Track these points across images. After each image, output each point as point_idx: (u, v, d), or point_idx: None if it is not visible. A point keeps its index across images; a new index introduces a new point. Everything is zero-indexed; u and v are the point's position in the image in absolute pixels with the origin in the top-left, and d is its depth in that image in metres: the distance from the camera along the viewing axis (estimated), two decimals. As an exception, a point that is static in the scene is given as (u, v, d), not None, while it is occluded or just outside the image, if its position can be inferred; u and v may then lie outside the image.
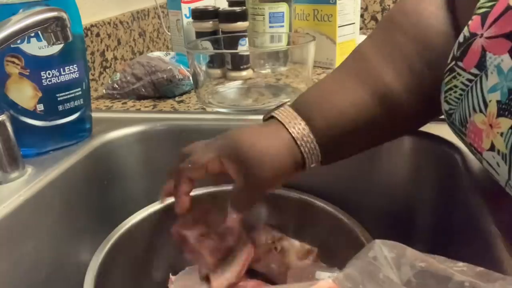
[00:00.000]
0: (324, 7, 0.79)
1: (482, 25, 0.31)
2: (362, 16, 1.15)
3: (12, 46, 0.45)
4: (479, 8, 0.32)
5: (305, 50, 0.63)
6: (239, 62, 0.70)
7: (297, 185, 0.54)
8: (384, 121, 0.41)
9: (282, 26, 0.80)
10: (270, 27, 0.79)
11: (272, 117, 0.41)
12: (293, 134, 0.39)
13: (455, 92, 0.33)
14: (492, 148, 0.30)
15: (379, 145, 0.46)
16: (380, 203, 0.55)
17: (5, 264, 0.39)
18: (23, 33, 0.40)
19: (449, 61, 0.34)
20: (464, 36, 0.32)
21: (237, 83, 0.71)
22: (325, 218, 0.50)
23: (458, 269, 0.23)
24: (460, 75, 0.32)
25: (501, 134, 0.28)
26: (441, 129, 0.48)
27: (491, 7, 0.30)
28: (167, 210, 0.53)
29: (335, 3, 0.77)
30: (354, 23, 0.81)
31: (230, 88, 0.70)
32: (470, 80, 0.31)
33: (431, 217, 0.51)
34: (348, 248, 0.45)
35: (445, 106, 0.35)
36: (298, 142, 0.39)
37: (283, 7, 0.79)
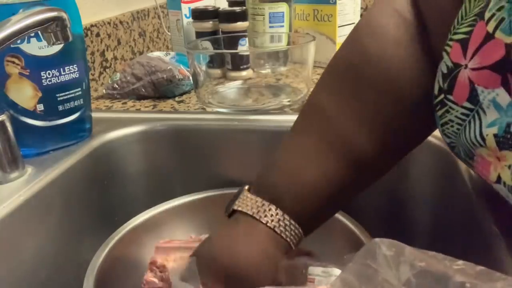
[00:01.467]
0: (324, 7, 0.79)
1: (464, 55, 0.29)
2: (362, 16, 1.15)
3: (12, 46, 0.45)
4: (455, 33, 0.30)
5: (305, 50, 0.63)
6: (239, 62, 0.70)
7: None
8: (355, 183, 0.38)
9: (282, 26, 0.80)
10: (270, 27, 0.79)
11: (236, 211, 0.37)
12: (268, 224, 0.35)
13: (452, 126, 0.31)
14: (498, 180, 0.29)
15: (350, 202, 0.41)
16: (380, 203, 0.55)
17: (5, 264, 0.39)
18: (23, 33, 0.40)
19: (436, 92, 0.32)
20: (447, 66, 0.31)
21: (237, 83, 0.71)
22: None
23: (458, 268, 0.23)
24: (453, 109, 0.30)
25: (509, 166, 0.27)
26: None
27: (469, 33, 0.29)
28: (168, 212, 0.53)
29: (335, 3, 0.77)
30: (354, 23, 0.81)
31: (230, 88, 0.70)
32: (465, 115, 0.30)
33: (431, 217, 0.51)
34: (348, 248, 0.46)
35: (445, 139, 0.33)
36: (277, 230, 0.35)
37: (283, 7, 0.79)
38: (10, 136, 0.44)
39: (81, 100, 0.52)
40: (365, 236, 0.44)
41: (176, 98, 0.70)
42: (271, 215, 0.35)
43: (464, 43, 0.29)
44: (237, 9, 0.75)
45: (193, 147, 0.59)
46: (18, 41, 0.45)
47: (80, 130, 0.54)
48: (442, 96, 0.31)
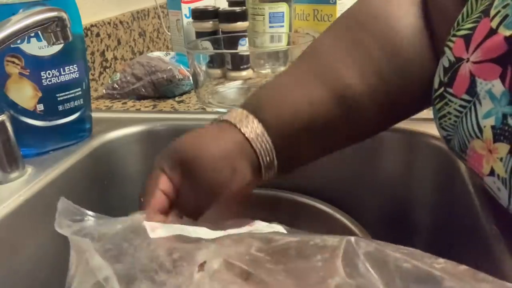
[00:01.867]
0: (324, 7, 0.79)
1: (467, 49, 0.30)
2: None
3: (12, 46, 0.45)
4: (459, 30, 0.32)
5: (305, 50, 0.63)
6: (239, 62, 0.70)
7: (295, 186, 0.54)
8: (342, 124, 0.38)
9: (282, 26, 0.79)
10: (270, 27, 0.79)
11: (222, 120, 0.37)
12: (246, 134, 0.35)
13: (450, 119, 0.32)
14: (492, 173, 0.29)
15: (335, 150, 0.41)
16: (379, 203, 0.55)
17: (5, 264, 0.39)
18: (23, 33, 0.40)
19: (436, 86, 0.33)
20: (449, 60, 0.32)
21: (237, 83, 0.71)
22: (323, 218, 0.50)
23: (439, 267, 0.23)
24: (451, 101, 0.32)
25: (500, 159, 0.28)
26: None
27: (473, 29, 0.30)
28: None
29: (335, 3, 0.77)
30: (354, 23, 0.81)
31: (230, 88, 0.70)
32: (463, 106, 0.31)
33: (430, 217, 0.51)
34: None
35: (442, 133, 0.34)
36: (252, 142, 0.35)
37: (283, 7, 0.79)
38: (10, 136, 0.44)
39: (81, 100, 0.52)
40: (365, 236, 0.44)
41: (176, 98, 0.70)
42: (252, 127, 0.35)
43: (467, 38, 0.30)
44: (237, 9, 0.75)
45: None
46: (18, 41, 0.45)
47: (80, 130, 0.54)
48: (442, 89, 0.32)
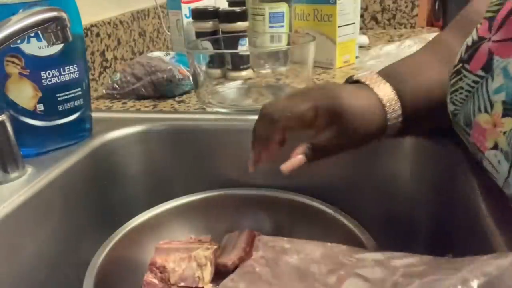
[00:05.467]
0: (324, 7, 0.79)
1: (490, 29, 0.32)
2: (362, 16, 1.15)
3: (12, 46, 0.45)
4: (487, 12, 0.33)
5: (305, 50, 0.63)
6: (239, 62, 0.70)
7: (295, 186, 0.54)
8: None
9: (282, 26, 0.79)
10: (270, 27, 0.79)
11: (358, 81, 0.42)
12: (379, 96, 0.40)
13: (461, 93, 0.34)
14: (495, 146, 0.31)
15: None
16: (380, 203, 0.55)
17: (5, 264, 0.39)
18: (23, 33, 0.40)
19: (456, 63, 0.35)
20: (473, 39, 0.34)
21: (237, 83, 0.71)
22: (323, 219, 0.50)
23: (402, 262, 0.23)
24: (466, 77, 0.33)
25: (504, 133, 0.30)
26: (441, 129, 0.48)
27: (497, 11, 0.32)
28: (168, 212, 0.53)
29: (335, 3, 0.77)
30: (354, 23, 0.81)
31: (230, 88, 0.70)
32: (475, 82, 0.32)
33: (431, 217, 0.51)
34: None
35: (450, 107, 0.36)
36: (384, 103, 0.39)
37: (283, 7, 0.79)
38: (10, 136, 0.44)
39: (81, 100, 0.52)
40: (365, 237, 0.44)
41: (176, 98, 0.70)
42: (386, 91, 0.40)
43: (491, 19, 0.32)
44: (237, 9, 0.75)
45: (193, 147, 0.59)
46: (18, 41, 0.45)
47: (80, 130, 0.54)
48: (460, 65, 0.35)
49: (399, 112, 0.40)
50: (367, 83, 0.41)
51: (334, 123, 0.39)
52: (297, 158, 0.40)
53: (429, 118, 0.42)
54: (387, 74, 0.42)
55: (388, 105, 0.39)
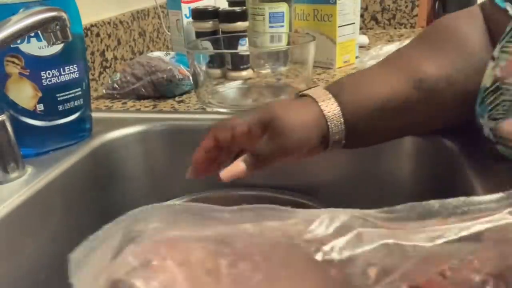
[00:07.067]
0: (324, 7, 0.79)
1: None
2: (362, 16, 1.15)
3: (12, 46, 0.45)
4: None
5: (305, 50, 0.63)
6: (239, 62, 0.70)
7: (295, 186, 0.54)
8: (419, 106, 0.42)
9: (282, 26, 0.79)
10: (270, 27, 0.79)
11: (304, 95, 0.43)
12: (324, 111, 0.40)
13: (504, 106, 0.36)
14: None
15: (411, 134, 0.48)
16: (380, 203, 0.55)
17: (5, 264, 0.39)
18: (23, 33, 0.40)
19: (488, 85, 0.37)
20: (506, 59, 0.36)
21: (237, 83, 0.71)
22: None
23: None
24: (508, 90, 0.35)
25: None
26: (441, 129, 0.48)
27: None
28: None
29: (335, 3, 0.77)
30: (354, 23, 0.81)
31: (230, 88, 0.70)
32: None
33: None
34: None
35: (491, 124, 0.37)
36: (327, 118, 0.40)
37: (283, 7, 0.79)
38: (10, 136, 0.44)
39: (81, 100, 0.52)
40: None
41: (176, 98, 0.70)
42: (331, 106, 0.41)
43: None
44: (237, 9, 0.75)
45: (193, 147, 0.58)
46: (18, 41, 0.45)
47: (80, 130, 0.54)
48: (496, 84, 0.36)
49: (342, 127, 0.41)
50: (314, 97, 0.41)
51: (266, 133, 0.40)
52: (237, 165, 0.41)
53: (376, 132, 0.43)
54: (335, 89, 0.42)
55: (331, 119, 0.40)
